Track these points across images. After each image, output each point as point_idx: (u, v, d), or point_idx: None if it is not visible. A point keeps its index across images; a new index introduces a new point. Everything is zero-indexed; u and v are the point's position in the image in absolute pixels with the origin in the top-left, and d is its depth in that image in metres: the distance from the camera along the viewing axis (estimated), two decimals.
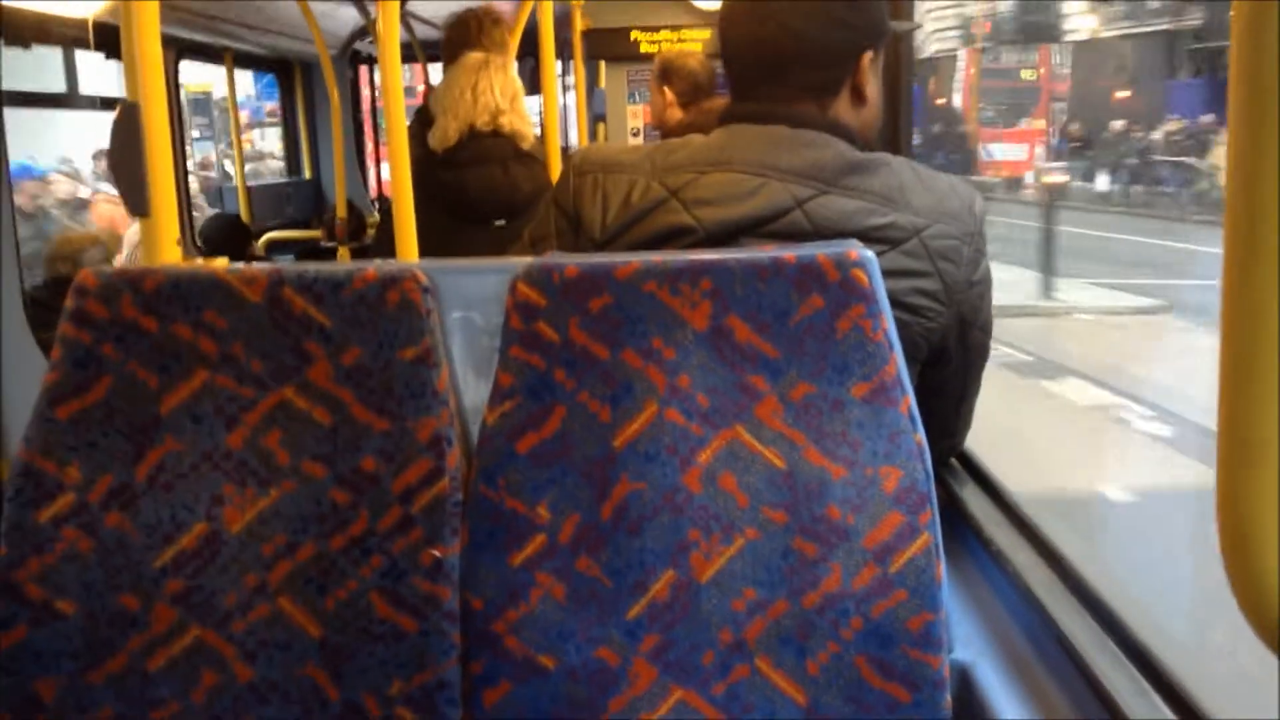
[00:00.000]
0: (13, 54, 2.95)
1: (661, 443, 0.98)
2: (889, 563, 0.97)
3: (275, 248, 4.79)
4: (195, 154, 13.48)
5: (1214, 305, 0.54)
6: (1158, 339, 9.91)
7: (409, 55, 4.97)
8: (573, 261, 0.99)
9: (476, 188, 2.55)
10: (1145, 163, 19.13)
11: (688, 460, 0.98)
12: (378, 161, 5.97)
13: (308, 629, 0.98)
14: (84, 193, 8.13)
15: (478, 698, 1.00)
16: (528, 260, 1.00)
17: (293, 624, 0.98)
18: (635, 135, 5.65)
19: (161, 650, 0.97)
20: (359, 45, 5.22)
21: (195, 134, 15.16)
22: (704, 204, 1.22)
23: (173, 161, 1.37)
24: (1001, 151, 23.96)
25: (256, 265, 1.02)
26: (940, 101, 29.38)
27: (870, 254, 0.98)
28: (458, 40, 2.77)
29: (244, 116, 13.70)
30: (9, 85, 2.65)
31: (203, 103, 14.93)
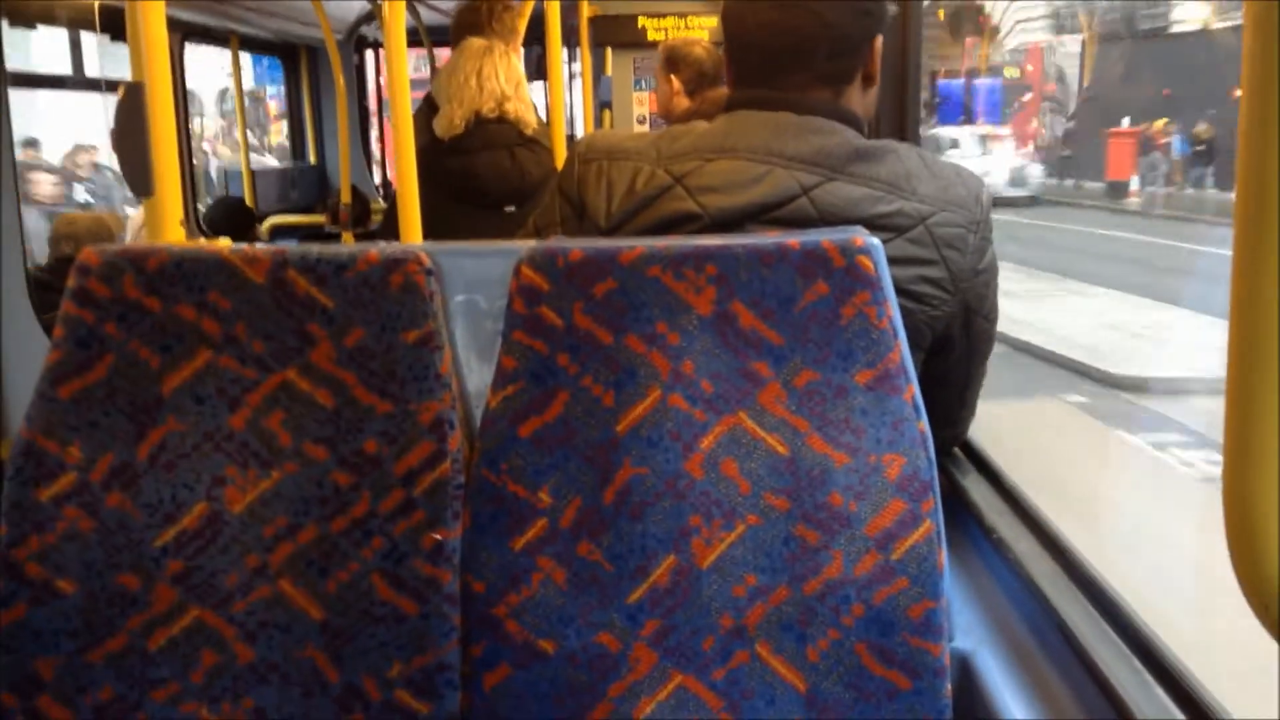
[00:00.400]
0: None
1: (664, 428, 0.98)
2: (891, 550, 0.97)
3: (279, 233, 4.78)
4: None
5: None
6: None
7: (415, 40, 4.96)
8: (577, 246, 0.99)
9: (486, 174, 2.56)
10: None
11: (690, 446, 0.98)
12: (383, 147, 5.95)
13: (308, 610, 0.98)
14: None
15: (477, 681, 1.00)
16: (532, 244, 1.00)
17: (293, 605, 0.98)
18: (641, 123, 5.62)
19: (161, 630, 0.98)
20: (365, 30, 5.21)
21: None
22: (709, 191, 1.22)
23: (177, 144, 1.37)
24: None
25: (260, 246, 1.02)
26: (1026, 98, 27.77)
27: (876, 241, 0.98)
28: (467, 24, 2.77)
29: (274, 107, 13.67)
30: None
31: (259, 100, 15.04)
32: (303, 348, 0.99)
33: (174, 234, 1.32)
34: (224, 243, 1.07)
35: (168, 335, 0.98)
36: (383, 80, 5.61)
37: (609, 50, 5.64)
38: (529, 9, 3.14)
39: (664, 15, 5.43)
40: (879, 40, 1.30)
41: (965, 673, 1.09)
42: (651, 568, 0.98)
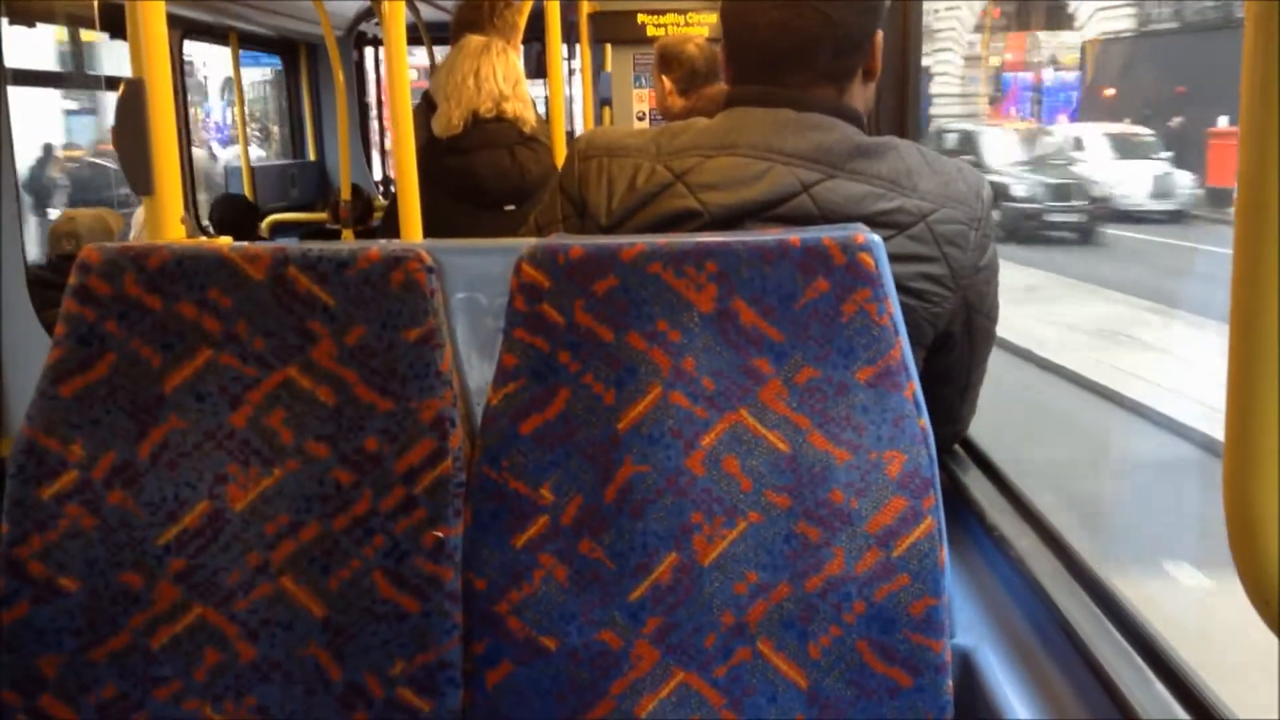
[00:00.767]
0: None
1: (665, 425, 0.98)
2: (892, 547, 0.97)
3: (280, 230, 4.78)
4: None
5: None
6: None
7: (414, 37, 4.95)
8: (578, 243, 0.99)
9: (485, 173, 2.55)
10: None
11: (691, 443, 0.98)
12: (383, 144, 5.95)
13: (310, 608, 0.98)
14: None
15: (479, 678, 1.00)
16: (533, 241, 1.00)
17: (295, 603, 0.98)
18: (641, 119, 5.62)
19: (164, 628, 0.98)
20: (364, 27, 5.20)
21: None
22: (710, 188, 1.22)
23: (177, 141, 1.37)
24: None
25: (261, 244, 1.02)
26: (1109, 93, 23.60)
27: (877, 238, 0.98)
28: (468, 21, 2.76)
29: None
30: None
31: None
32: (304, 345, 0.99)
33: (174, 232, 1.32)
34: (224, 241, 1.06)
35: (169, 333, 0.98)
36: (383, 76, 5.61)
37: (608, 47, 5.63)
38: (529, 6, 3.14)
39: (664, 12, 5.43)
40: (880, 35, 1.30)
41: (966, 669, 1.09)
42: (653, 565, 0.98)
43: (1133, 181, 16.43)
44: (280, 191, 5.06)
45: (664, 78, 3.29)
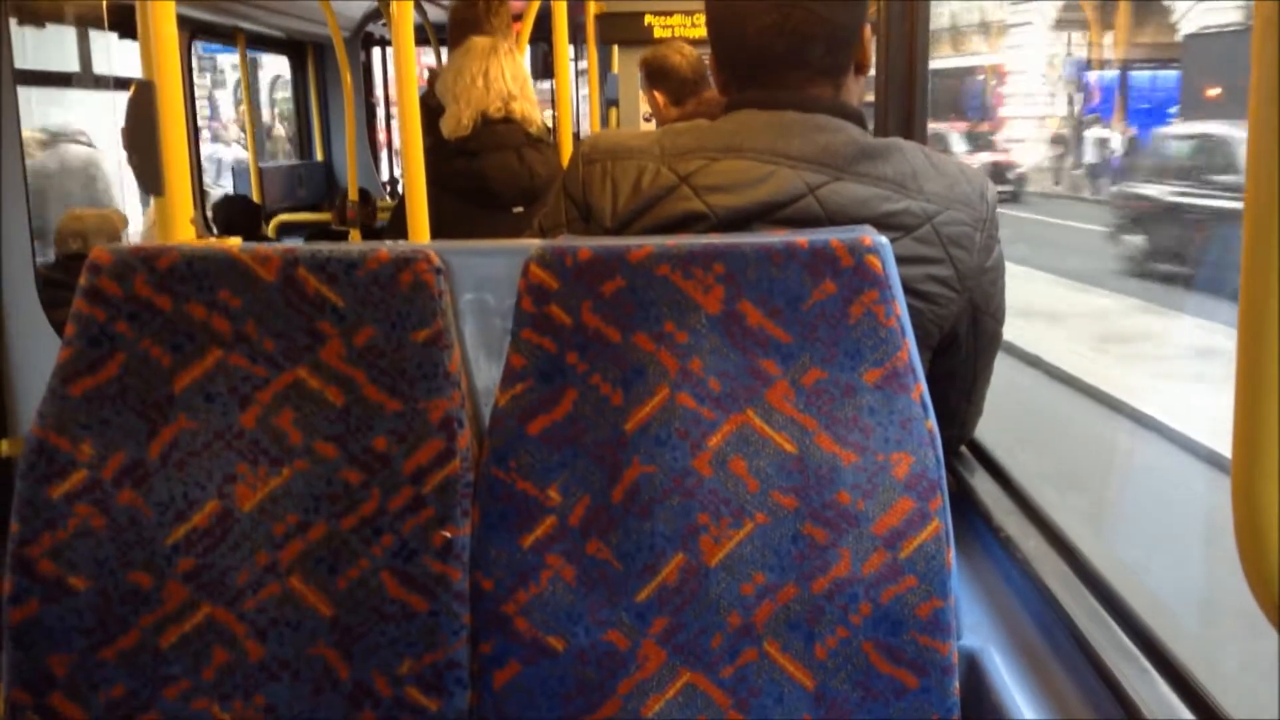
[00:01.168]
0: None
1: (672, 426, 0.98)
2: (899, 549, 0.97)
3: (286, 230, 4.79)
4: None
5: None
6: None
7: (421, 38, 4.96)
8: (586, 244, 0.99)
9: (495, 175, 2.55)
10: None
11: (698, 444, 0.98)
12: (390, 145, 5.96)
13: (318, 608, 0.99)
14: None
15: (487, 678, 1.00)
16: (541, 243, 1.00)
17: (304, 603, 0.99)
18: (648, 120, 5.62)
19: (173, 627, 0.98)
20: (371, 27, 5.21)
21: None
22: (716, 190, 1.22)
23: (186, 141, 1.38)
24: None
25: (270, 245, 1.02)
26: (1213, 93, 19.93)
27: (884, 240, 0.98)
28: (468, 22, 2.77)
29: None
30: None
31: None
32: (313, 346, 0.99)
33: (184, 232, 1.32)
34: (234, 242, 1.07)
35: (178, 334, 0.99)
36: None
37: (615, 48, 5.64)
38: (535, 7, 3.14)
39: (670, 13, 5.43)
40: (868, 28, 1.32)
41: (973, 671, 1.09)
42: (660, 566, 0.98)
43: None
44: (287, 191, 5.08)
45: (655, 92, 3.27)
